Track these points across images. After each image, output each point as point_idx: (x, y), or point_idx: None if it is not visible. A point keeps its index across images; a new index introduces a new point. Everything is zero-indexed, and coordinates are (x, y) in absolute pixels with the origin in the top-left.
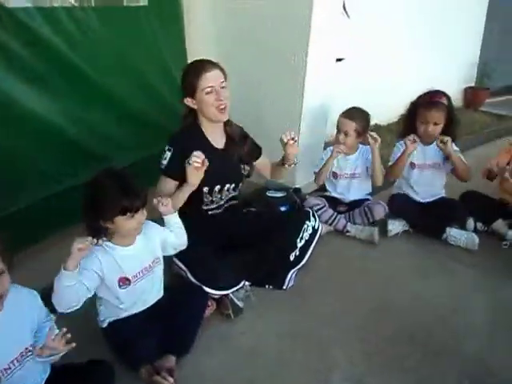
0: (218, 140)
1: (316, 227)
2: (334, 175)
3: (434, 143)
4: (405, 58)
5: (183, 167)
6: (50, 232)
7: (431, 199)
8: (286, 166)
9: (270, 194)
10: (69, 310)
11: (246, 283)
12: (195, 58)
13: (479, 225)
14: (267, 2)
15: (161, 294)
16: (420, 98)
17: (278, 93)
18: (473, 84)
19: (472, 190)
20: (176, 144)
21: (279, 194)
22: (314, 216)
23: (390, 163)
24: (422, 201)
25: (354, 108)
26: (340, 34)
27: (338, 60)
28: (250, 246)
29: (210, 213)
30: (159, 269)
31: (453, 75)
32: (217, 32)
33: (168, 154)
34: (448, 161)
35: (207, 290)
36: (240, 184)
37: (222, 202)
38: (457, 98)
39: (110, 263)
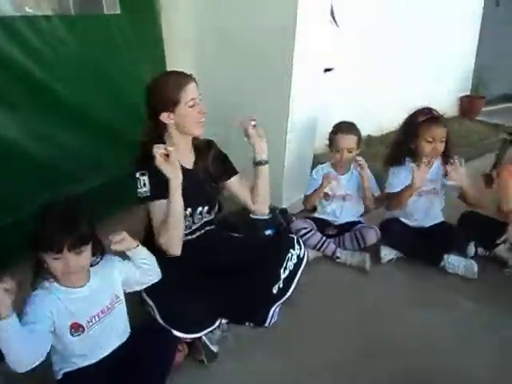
0: (186, 159)
1: (301, 256)
2: (326, 196)
3: (433, 167)
4: (398, 67)
5: (166, 184)
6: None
7: (428, 225)
8: (258, 161)
9: (254, 215)
10: (33, 365)
11: (223, 321)
12: (169, 70)
13: (480, 250)
14: (249, 11)
15: (126, 335)
16: (417, 116)
17: (262, 105)
18: (468, 93)
19: (472, 211)
20: (147, 166)
21: (264, 216)
22: (298, 243)
23: (387, 190)
24: (417, 227)
25: (344, 122)
26: (328, 43)
27: (327, 70)
28: (227, 277)
29: (184, 238)
30: (120, 309)
31: (448, 84)
32: (197, 42)
33: (145, 179)
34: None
35: (176, 333)
36: (215, 206)
37: (195, 228)
38: (452, 107)
39: (58, 308)
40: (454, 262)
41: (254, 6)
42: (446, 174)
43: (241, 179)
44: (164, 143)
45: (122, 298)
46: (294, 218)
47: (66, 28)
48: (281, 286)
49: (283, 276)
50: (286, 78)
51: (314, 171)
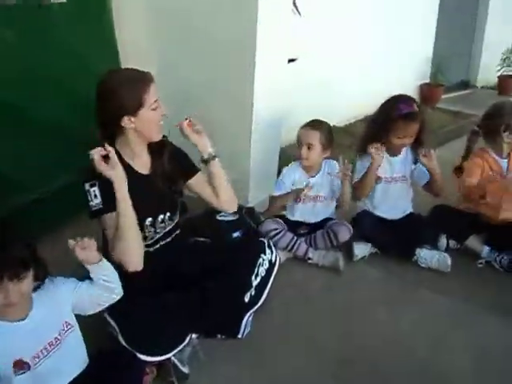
0: (143, 164)
1: (273, 260)
2: (296, 198)
3: (402, 154)
4: (360, 57)
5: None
6: None
7: (399, 216)
8: (206, 158)
9: (220, 217)
10: None
11: (193, 336)
12: (123, 67)
13: (452, 243)
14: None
15: (85, 363)
16: (391, 108)
17: (224, 98)
18: (428, 80)
19: (442, 204)
20: (98, 178)
21: (230, 217)
22: (270, 247)
23: (354, 181)
24: (389, 218)
25: (315, 119)
26: (291, 32)
27: (291, 61)
28: (195, 288)
29: (146, 250)
30: (74, 337)
31: (408, 72)
32: (153, 32)
33: (95, 190)
34: (414, 173)
35: (143, 357)
36: (177, 211)
37: (158, 237)
38: (412, 95)
39: None
40: (426, 255)
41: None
42: (415, 161)
43: (203, 178)
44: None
45: (75, 323)
46: (262, 218)
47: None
48: (253, 293)
49: (255, 283)
50: (249, 71)
51: (284, 171)
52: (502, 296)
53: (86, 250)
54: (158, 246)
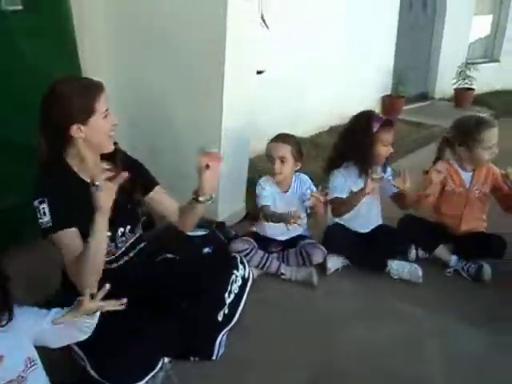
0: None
1: (246, 276)
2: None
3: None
4: (323, 69)
5: (71, 210)
6: None
7: (370, 229)
8: (201, 200)
9: (189, 232)
10: None
11: (166, 360)
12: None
13: (421, 252)
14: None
15: None
16: (367, 124)
17: (191, 110)
18: (389, 92)
19: (410, 214)
20: (47, 193)
21: (200, 232)
22: (242, 263)
23: (330, 195)
24: (360, 231)
25: (281, 133)
26: (259, 45)
27: (259, 72)
28: (165, 307)
29: (108, 267)
30: (36, 373)
31: (370, 84)
32: (115, 40)
33: (44, 207)
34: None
35: None
36: (138, 222)
37: (120, 252)
38: (375, 107)
39: None
40: (397, 267)
41: (183, 9)
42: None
43: (163, 191)
44: (66, 164)
45: (37, 359)
46: (233, 232)
47: None
48: (226, 311)
49: (228, 301)
50: (218, 83)
51: (261, 184)
52: (471, 305)
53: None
54: (121, 261)
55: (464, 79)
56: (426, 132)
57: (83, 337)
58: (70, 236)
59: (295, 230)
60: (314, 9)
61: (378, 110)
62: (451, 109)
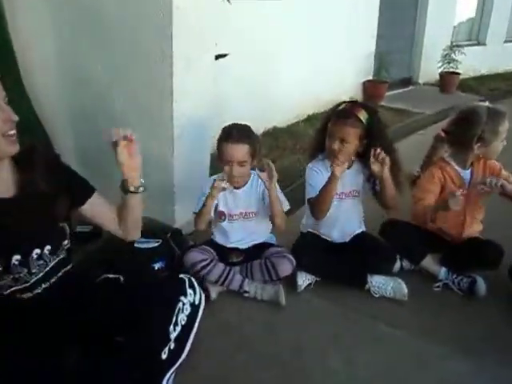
0: (3, 185)
1: (197, 302)
2: (221, 216)
3: (353, 166)
4: (301, 54)
5: None
6: None
7: (348, 238)
8: (132, 190)
9: (138, 244)
10: None
11: None
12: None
13: (405, 263)
14: None
15: None
16: (332, 110)
17: (138, 104)
18: (371, 77)
19: (393, 219)
20: None
21: (151, 244)
22: (191, 286)
23: (309, 196)
24: (337, 241)
25: (234, 128)
26: (219, 22)
27: (220, 56)
28: (97, 346)
29: (18, 297)
30: None
31: (349, 68)
32: (51, 23)
33: None
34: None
35: None
36: (63, 241)
37: (37, 279)
38: (356, 92)
39: None
40: (379, 283)
41: None
42: (368, 179)
43: (99, 199)
44: None
45: None
46: (190, 242)
47: None
48: (172, 347)
49: (174, 335)
50: (165, 67)
51: (207, 184)
52: (464, 326)
53: None
54: (38, 290)
55: (449, 63)
56: (410, 120)
57: None
58: None
59: (256, 231)
60: None
61: (358, 96)
62: (437, 94)
